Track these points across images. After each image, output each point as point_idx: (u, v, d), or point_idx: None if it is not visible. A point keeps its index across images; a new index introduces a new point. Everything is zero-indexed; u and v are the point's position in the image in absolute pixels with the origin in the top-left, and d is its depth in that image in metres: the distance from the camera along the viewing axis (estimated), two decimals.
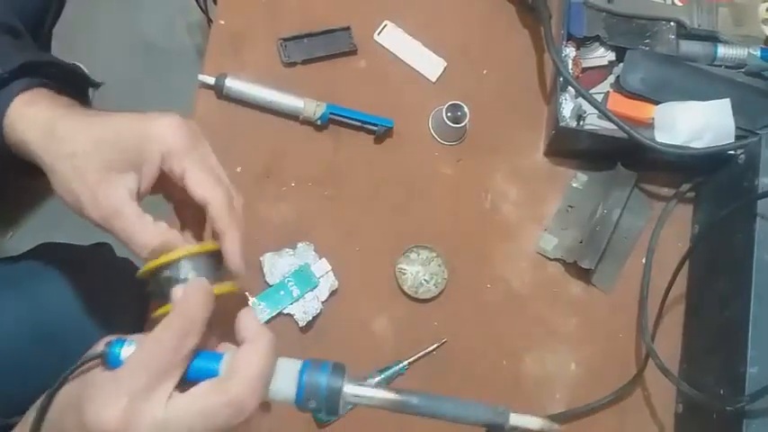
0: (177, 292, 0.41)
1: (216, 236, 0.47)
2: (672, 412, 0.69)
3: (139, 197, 0.46)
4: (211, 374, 0.39)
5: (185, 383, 0.38)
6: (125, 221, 0.44)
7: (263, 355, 0.38)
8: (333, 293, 0.68)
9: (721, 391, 0.61)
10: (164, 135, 0.46)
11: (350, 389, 0.39)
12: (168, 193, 0.51)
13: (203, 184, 0.46)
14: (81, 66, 1.33)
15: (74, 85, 0.55)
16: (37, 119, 0.47)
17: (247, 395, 0.37)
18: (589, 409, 0.68)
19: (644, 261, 0.72)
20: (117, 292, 0.67)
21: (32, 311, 0.65)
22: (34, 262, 0.69)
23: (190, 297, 0.40)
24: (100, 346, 0.39)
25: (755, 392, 0.56)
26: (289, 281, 0.67)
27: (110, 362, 0.38)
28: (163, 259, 0.44)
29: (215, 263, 0.46)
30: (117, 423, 0.35)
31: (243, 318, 0.41)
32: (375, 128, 0.71)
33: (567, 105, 0.70)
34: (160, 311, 0.43)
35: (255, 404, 0.37)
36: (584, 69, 0.72)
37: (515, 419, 0.39)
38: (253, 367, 0.38)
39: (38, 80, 0.50)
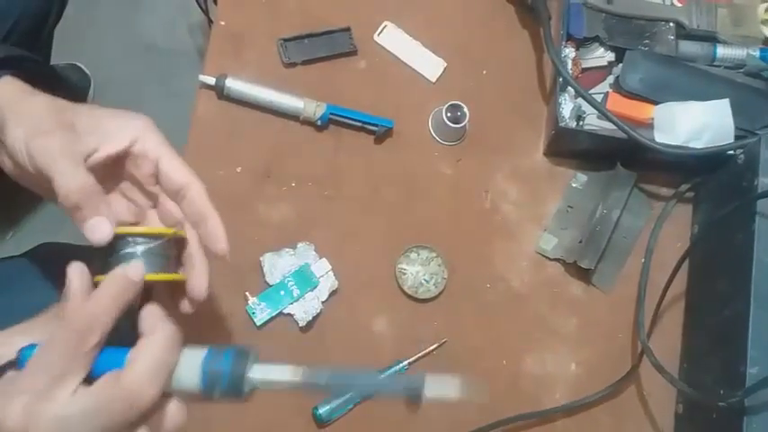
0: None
1: (193, 223, 0.48)
2: (672, 413, 0.69)
3: (89, 162, 0.45)
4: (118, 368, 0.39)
5: (94, 378, 0.38)
6: (67, 157, 0.44)
7: (158, 347, 0.39)
8: (333, 293, 0.68)
9: (721, 392, 0.61)
10: (142, 120, 0.47)
11: (254, 373, 0.39)
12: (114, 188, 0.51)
13: (182, 169, 0.47)
14: (81, 65, 1.33)
15: (47, 83, 0.56)
16: (13, 89, 0.48)
17: (139, 387, 0.37)
18: (585, 404, 0.68)
19: (643, 261, 0.72)
20: None
21: (32, 311, 0.65)
22: (34, 261, 0.70)
23: (97, 294, 0.40)
24: (14, 354, 0.39)
25: (750, 387, 0.56)
26: (289, 281, 0.67)
27: (21, 367, 0.39)
28: (121, 230, 0.44)
29: (170, 251, 0.46)
30: (17, 421, 0.36)
31: (144, 312, 0.41)
32: (375, 128, 0.71)
33: (567, 105, 0.70)
34: (97, 279, 0.43)
35: (150, 395, 0.37)
36: (584, 70, 0.73)
37: (432, 390, 0.39)
38: (146, 359, 0.38)
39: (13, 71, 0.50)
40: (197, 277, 0.48)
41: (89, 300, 0.40)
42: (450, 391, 0.39)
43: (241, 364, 0.39)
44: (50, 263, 0.68)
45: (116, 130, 0.47)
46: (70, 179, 0.44)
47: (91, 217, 0.44)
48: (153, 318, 0.41)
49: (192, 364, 0.39)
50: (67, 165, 0.44)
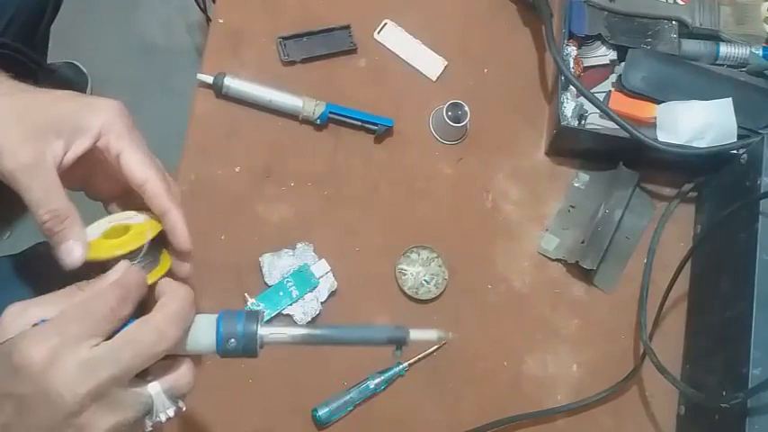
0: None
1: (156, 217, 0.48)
2: (674, 414, 0.69)
3: (61, 166, 0.46)
4: None
5: None
6: (36, 180, 0.44)
7: (181, 298, 0.42)
8: (332, 294, 0.67)
9: (724, 393, 0.60)
10: (107, 109, 0.47)
11: (264, 330, 0.43)
12: (88, 183, 0.51)
13: (141, 163, 0.47)
14: (79, 64, 1.32)
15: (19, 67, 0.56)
16: None
17: (167, 324, 0.41)
18: (586, 405, 0.68)
19: (645, 261, 0.72)
20: None
21: None
22: (30, 261, 0.69)
23: (135, 271, 0.44)
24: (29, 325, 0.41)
25: (752, 388, 0.55)
26: (288, 281, 0.66)
27: None
28: (95, 256, 0.45)
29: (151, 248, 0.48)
30: (42, 358, 0.37)
31: (162, 281, 0.45)
32: (375, 127, 0.71)
33: (569, 104, 0.69)
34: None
35: (175, 334, 0.41)
36: (586, 68, 0.72)
37: (415, 334, 0.44)
38: (172, 305, 0.42)
39: None
40: (176, 231, 0.48)
41: (129, 274, 0.44)
42: (431, 335, 0.44)
43: (252, 322, 0.43)
44: (47, 263, 0.68)
45: (81, 125, 0.46)
46: (42, 207, 0.44)
47: (64, 241, 0.45)
48: (172, 282, 0.44)
49: (207, 326, 0.43)
50: (38, 191, 0.44)
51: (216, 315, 0.44)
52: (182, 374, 0.43)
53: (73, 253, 0.45)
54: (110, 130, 0.46)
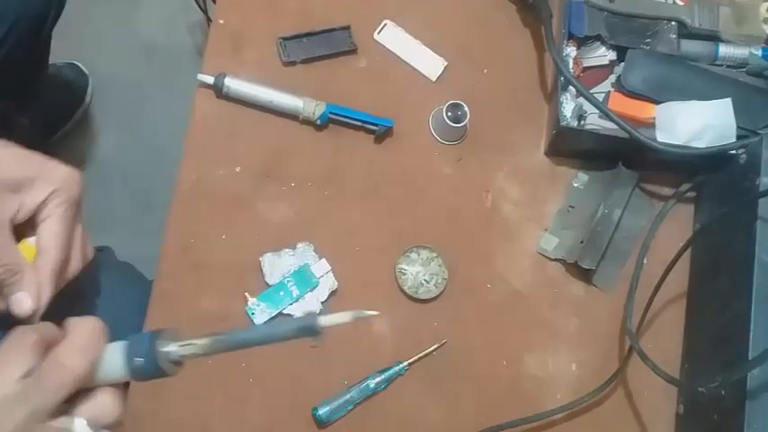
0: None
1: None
2: (673, 413, 0.69)
3: (12, 222, 0.49)
4: None
5: None
6: None
7: (87, 329, 0.42)
8: (333, 294, 0.68)
9: (723, 392, 0.60)
10: (65, 176, 0.50)
11: (166, 345, 0.42)
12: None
13: (55, 235, 0.50)
14: (80, 64, 1.33)
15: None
16: None
17: (71, 357, 0.41)
18: (581, 403, 0.67)
19: (645, 261, 0.72)
20: (118, 296, 0.67)
21: None
22: None
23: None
24: None
25: (726, 376, 0.56)
26: (288, 281, 0.66)
27: None
28: None
29: None
30: None
31: (67, 319, 0.45)
32: (375, 127, 0.71)
33: (568, 105, 0.69)
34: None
35: (80, 366, 0.40)
36: (585, 69, 0.72)
37: (327, 320, 0.43)
38: (76, 338, 0.42)
39: None
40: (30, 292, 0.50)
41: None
42: (343, 318, 0.43)
43: (156, 339, 0.42)
44: None
45: (38, 185, 0.49)
46: (5, 259, 0.47)
47: (15, 292, 0.49)
48: (78, 318, 0.45)
49: (116, 352, 0.42)
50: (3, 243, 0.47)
51: (125, 342, 0.43)
52: (103, 404, 0.42)
53: (23, 304, 0.48)
54: (58, 194, 0.49)
